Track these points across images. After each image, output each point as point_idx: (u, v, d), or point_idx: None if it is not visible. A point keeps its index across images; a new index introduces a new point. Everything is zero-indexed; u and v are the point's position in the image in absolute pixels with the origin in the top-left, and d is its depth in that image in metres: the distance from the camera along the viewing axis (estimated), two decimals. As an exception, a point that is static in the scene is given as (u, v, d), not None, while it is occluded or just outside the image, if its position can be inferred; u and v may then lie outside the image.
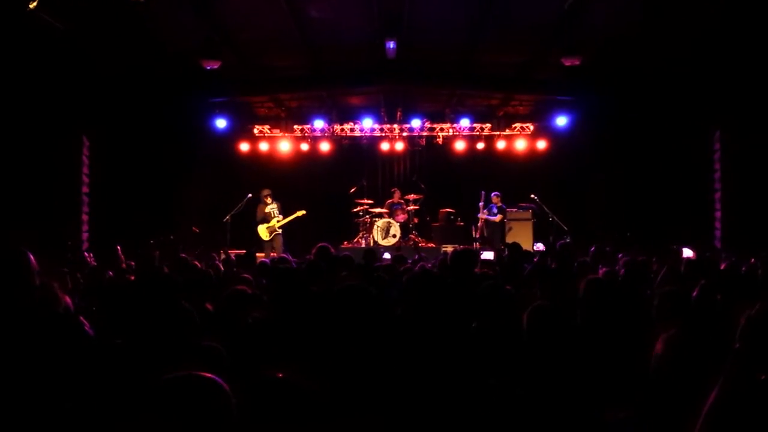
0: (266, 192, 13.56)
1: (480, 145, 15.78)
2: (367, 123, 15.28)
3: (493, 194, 14.04)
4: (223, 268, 7.05)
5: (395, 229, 14.43)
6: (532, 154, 15.76)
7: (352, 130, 15.61)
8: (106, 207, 12.85)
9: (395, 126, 15.60)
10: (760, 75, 10.57)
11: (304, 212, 13.51)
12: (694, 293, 3.88)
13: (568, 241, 11.44)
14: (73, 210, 12.39)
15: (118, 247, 7.62)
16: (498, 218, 13.91)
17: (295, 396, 2.24)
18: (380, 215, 14.75)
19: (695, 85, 11.87)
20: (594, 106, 13.94)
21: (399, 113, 15.40)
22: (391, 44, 10.55)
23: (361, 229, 14.82)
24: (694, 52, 10.87)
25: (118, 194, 13.08)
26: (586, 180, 15.01)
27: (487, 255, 8.94)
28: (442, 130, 15.66)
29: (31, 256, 3.19)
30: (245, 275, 5.61)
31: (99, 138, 12.80)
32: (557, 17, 9.75)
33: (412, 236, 14.79)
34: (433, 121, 15.58)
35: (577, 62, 10.07)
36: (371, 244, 14.06)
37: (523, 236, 13.33)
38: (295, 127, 15.67)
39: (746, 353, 1.85)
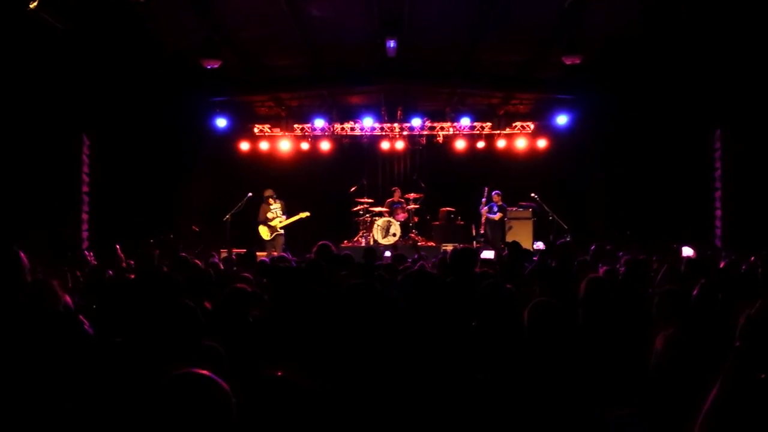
0: (269, 193, 13.56)
1: (480, 144, 15.77)
2: (368, 122, 15.27)
3: (494, 193, 14.05)
4: (222, 267, 7.05)
5: (395, 228, 14.43)
6: (533, 153, 15.75)
7: (352, 129, 15.60)
8: (107, 206, 12.85)
9: (395, 125, 15.59)
10: (761, 74, 10.56)
11: (308, 214, 13.51)
12: (695, 292, 3.88)
13: (568, 239, 11.43)
14: (74, 209, 12.39)
15: (117, 246, 7.61)
16: (498, 216, 13.92)
17: (296, 394, 2.24)
18: (380, 214, 14.75)
19: (696, 84, 11.87)
20: (594, 105, 13.93)
21: (399, 112, 15.39)
22: (392, 43, 10.55)
23: (361, 228, 14.82)
24: (695, 51, 10.87)
25: (118, 193, 13.08)
26: (587, 179, 15.01)
27: (487, 254, 8.93)
28: (442, 129, 15.65)
29: (22, 254, 3.20)
30: (245, 274, 5.61)
31: (99, 137, 12.80)
32: (558, 16, 9.75)
33: (413, 235, 14.79)
34: (433, 120, 15.57)
35: (578, 61, 10.07)
36: (371, 243, 14.05)
37: (523, 235, 13.34)
38: (296, 126, 15.66)
39: (746, 352, 1.85)
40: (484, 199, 14.07)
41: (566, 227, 13.00)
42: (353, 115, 15.47)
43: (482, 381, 3.02)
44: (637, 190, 14.10)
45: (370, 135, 15.84)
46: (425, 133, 15.78)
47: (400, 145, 15.87)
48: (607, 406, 2.46)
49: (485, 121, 15.61)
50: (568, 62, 10.12)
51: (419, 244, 13.89)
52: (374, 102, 15.42)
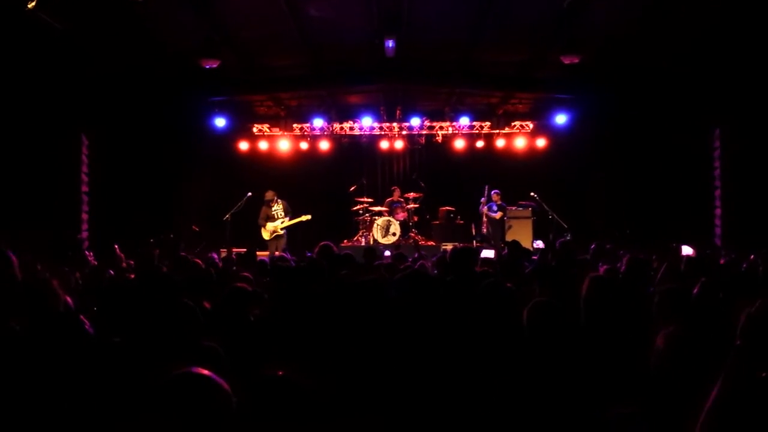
0: (270, 195, 13.53)
1: (479, 144, 15.79)
2: (367, 121, 15.27)
3: (493, 192, 14.07)
4: (222, 266, 7.05)
5: (395, 227, 14.43)
6: (532, 153, 15.76)
7: (351, 128, 15.60)
8: (106, 206, 12.85)
9: (395, 124, 15.59)
10: (760, 73, 10.57)
11: (309, 217, 13.49)
12: (695, 291, 3.88)
13: (568, 238, 11.43)
14: (73, 209, 12.38)
15: (116, 246, 7.61)
16: (498, 215, 13.94)
17: (296, 394, 2.24)
18: (380, 213, 14.75)
19: (695, 83, 11.87)
20: (593, 104, 13.94)
21: (398, 112, 15.40)
22: (391, 43, 10.54)
23: (361, 227, 14.82)
24: (694, 50, 10.86)
25: (117, 193, 13.07)
26: (586, 178, 15.02)
27: (487, 253, 8.92)
28: (441, 128, 15.65)
29: (11, 254, 3.21)
30: (245, 274, 5.61)
31: (98, 137, 12.79)
32: (557, 15, 9.75)
33: (412, 234, 14.79)
34: (432, 120, 15.58)
35: (577, 60, 10.08)
36: (371, 242, 14.06)
37: (523, 234, 13.35)
38: (295, 125, 15.66)
39: (747, 351, 1.85)
40: (484, 198, 14.10)
41: (566, 226, 13.01)
42: (352, 114, 15.48)
43: (482, 380, 3.02)
44: (637, 189, 14.11)
45: (370, 134, 15.84)
46: (424, 132, 15.79)
47: (399, 144, 15.88)
48: (609, 405, 2.46)
49: (484, 121, 15.62)
50: (567, 62, 10.12)
51: (419, 243, 13.89)
52: (373, 101, 15.42)
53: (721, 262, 6.36)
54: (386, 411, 2.80)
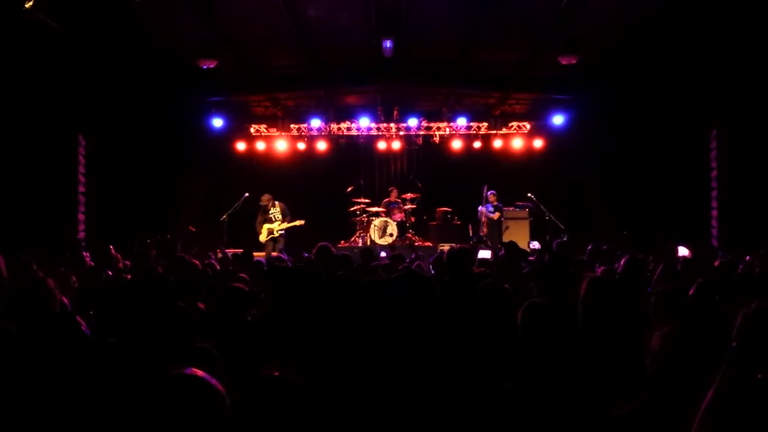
0: (266, 199, 13.50)
1: (477, 144, 15.81)
2: (364, 122, 15.27)
3: (489, 193, 14.08)
4: (219, 267, 7.04)
5: (392, 228, 14.43)
6: (529, 153, 15.79)
7: (349, 129, 15.60)
8: (103, 206, 12.82)
9: (392, 125, 15.60)
10: (757, 74, 10.58)
11: (302, 222, 13.44)
12: (691, 291, 3.89)
13: (565, 239, 11.44)
14: (70, 209, 12.35)
15: (111, 247, 7.59)
16: (495, 216, 13.95)
17: (292, 394, 2.24)
18: (377, 214, 14.75)
19: (692, 84, 11.87)
20: (591, 105, 13.95)
21: (396, 112, 15.40)
22: (388, 43, 10.53)
23: (358, 228, 14.82)
24: (691, 51, 10.88)
25: (114, 194, 13.04)
26: (583, 179, 15.02)
27: (484, 254, 8.93)
28: (439, 129, 15.66)
29: None
30: (242, 274, 5.61)
31: (95, 137, 12.77)
32: (554, 16, 9.75)
33: (409, 235, 14.79)
34: (430, 120, 15.59)
35: (574, 61, 10.08)
36: (368, 243, 14.06)
37: (520, 235, 13.37)
38: (292, 126, 15.66)
39: (743, 351, 1.85)
40: (484, 198, 14.14)
41: (563, 227, 13.02)
42: (350, 115, 15.47)
43: (480, 381, 3.02)
44: (634, 189, 14.12)
45: (367, 135, 15.84)
46: (422, 133, 15.80)
47: (396, 145, 15.89)
48: (606, 406, 2.46)
49: (482, 121, 15.63)
50: (564, 62, 10.13)
51: (416, 244, 13.90)
52: (371, 102, 15.42)
53: (716, 263, 6.35)
54: (383, 411, 2.80)
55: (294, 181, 15.55)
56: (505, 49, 11.84)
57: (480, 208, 14.16)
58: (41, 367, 2.70)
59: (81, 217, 12.64)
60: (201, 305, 4.47)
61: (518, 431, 2.79)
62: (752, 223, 11.33)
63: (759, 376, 1.79)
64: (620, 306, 3.67)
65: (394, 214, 14.80)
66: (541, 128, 15.64)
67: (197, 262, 6.48)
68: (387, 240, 14.20)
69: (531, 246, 12.38)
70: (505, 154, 15.87)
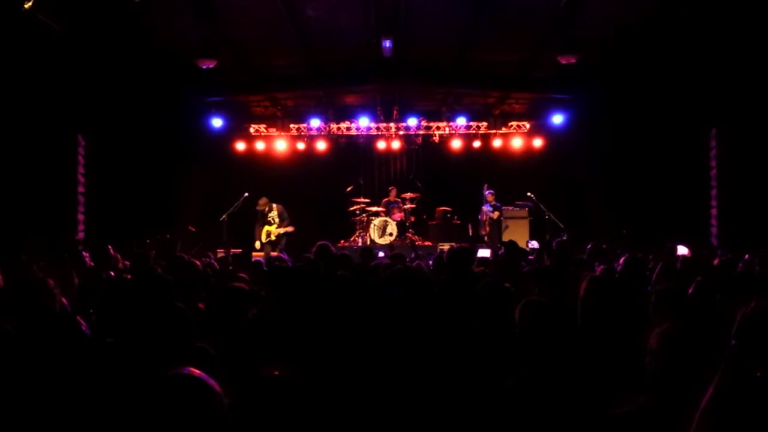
0: (263, 202, 13.47)
1: (476, 144, 15.80)
2: (364, 122, 15.27)
3: (487, 192, 14.09)
4: (218, 267, 7.04)
5: (392, 227, 14.44)
6: (529, 153, 15.79)
7: (348, 128, 15.60)
8: (102, 207, 12.82)
9: (392, 125, 15.60)
10: (757, 73, 10.58)
11: (291, 229, 13.41)
12: (690, 290, 3.89)
13: (564, 238, 11.44)
14: (69, 210, 12.35)
15: (110, 247, 7.58)
16: (495, 215, 13.96)
17: (292, 393, 2.24)
18: (377, 214, 14.75)
19: (691, 83, 11.88)
20: (590, 104, 13.95)
21: (395, 112, 15.40)
22: (387, 43, 10.53)
23: (358, 227, 14.82)
24: (691, 50, 10.88)
25: (114, 194, 13.04)
26: (582, 178, 15.02)
27: (483, 252, 8.93)
28: (438, 128, 15.67)
29: None
30: (241, 274, 5.61)
31: (95, 137, 12.77)
32: (553, 15, 9.75)
33: (409, 235, 14.79)
34: (429, 120, 15.59)
35: (574, 61, 10.07)
36: (368, 242, 14.06)
37: (519, 234, 13.37)
38: (292, 126, 15.66)
39: (743, 350, 1.85)
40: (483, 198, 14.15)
41: (562, 226, 13.02)
42: (349, 114, 15.47)
43: (481, 380, 3.02)
44: (634, 188, 14.12)
45: (367, 135, 15.84)
46: (421, 132, 15.81)
47: (396, 144, 15.89)
48: (606, 405, 2.47)
49: (481, 121, 15.63)
50: (563, 62, 10.13)
51: (416, 243, 13.90)
52: (370, 102, 15.42)
53: (716, 262, 6.35)
54: (383, 411, 2.80)
55: (293, 181, 15.56)
56: (504, 48, 11.84)
57: (483, 207, 14.17)
58: (39, 366, 2.70)
59: (80, 217, 12.64)
60: (201, 305, 4.47)
61: (518, 430, 2.79)
62: (752, 222, 11.33)
63: (758, 374, 1.79)
64: (620, 305, 3.68)
65: (394, 214, 14.80)
66: (540, 128, 15.64)
67: (197, 262, 6.49)
68: (387, 239, 14.20)
69: (529, 245, 12.39)
70: (504, 154, 15.87)
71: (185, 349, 3.05)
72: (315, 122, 15.23)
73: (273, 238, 13.37)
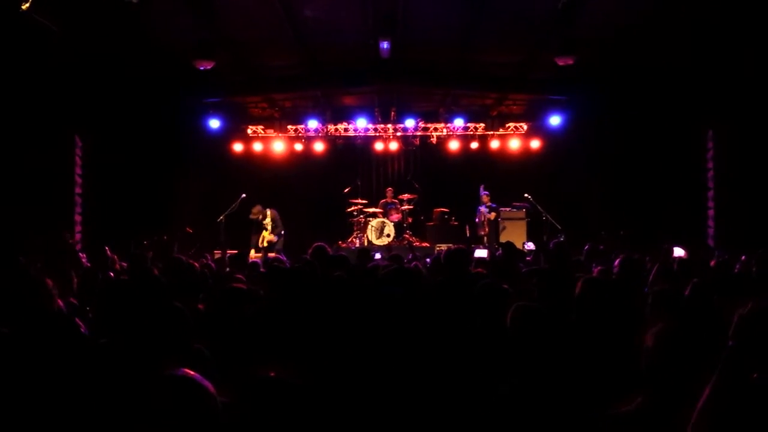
0: (257, 210, 13.50)
1: (474, 145, 15.82)
2: (361, 123, 15.28)
3: (483, 193, 14.11)
4: (215, 267, 7.04)
5: (389, 228, 14.44)
6: (526, 154, 15.81)
7: (346, 130, 15.61)
8: (100, 208, 12.79)
9: (389, 126, 15.61)
10: (754, 75, 10.60)
11: (273, 238, 13.51)
12: (687, 292, 3.90)
13: (562, 239, 11.45)
14: (66, 211, 12.32)
15: (107, 248, 7.58)
16: (492, 216, 13.97)
17: (288, 394, 2.24)
18: (374, 215, 14.76)
19: (688, 85, 11.90)
20: (587, 105, 13.97)
21: (393, 113, 15.41)
22: (385, 44, 10.53)
23: (355, 228, 14.82)
24: (688, 51, 10.90)
25: (111, 195, 13.01)
26: (580, 179, 15.04)
27: (480, 253, 8.94)
28: (436, 129, 15.69)
29: None
30: (238, 275, 5.60)
31: (92, 138, 12.75)
32: (551, 17, 9.76)
33: (407, 236, 14.80)
34: (427, 121, 15.61)
35: (571, 62, 10.08)
36: (365, 243, 14.07)
37: (516, 235, 13.38)
38: (289, 127, 15.66)
39: (739, 351, 1.86)
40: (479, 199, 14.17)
41: (560, 227, 13.04)
42: (347, 116, 15.48)
43: (478, 381, 3.02)
44: (631, 190, 14.14)
45: (364, 136, 15.85)
46: (419, 133, 15.82)
47: (393, 145, 15.91)
48: (602, 406, 2.47)
49: (479, 122, 15.65)
50: (561, 63, 10.13)
51: (414, 244, 13.90)
52: (368, 103, 15.42)
53: (713, 263, 6.36)
54: (378, 412, 2.80)
55: (291, 182, 15.56)
56: (502, 49, 11.85)
57: (479, 208, 14.20)
58: (37, 367, 2.70)
59: (77, 218, 12.61)
60: (200, 306, 4.47)
61: (516, 431, 2.79)
62: (748, 223, 11.35)
63: (755, 375, 1.79)
64: (616, 306, 3.68)
65: (392, 215, 14.81)
66: (538, 129, 15.66)
67: (195, 263, 6.48)
68: (384, 240, 14.21)
69: (525, 247, 12.40)
70: (502, 155, 15.89)
71: (183, 349, 3.05)
72: (312, 123, 15.22)
73: (265, 244, 13.46)
